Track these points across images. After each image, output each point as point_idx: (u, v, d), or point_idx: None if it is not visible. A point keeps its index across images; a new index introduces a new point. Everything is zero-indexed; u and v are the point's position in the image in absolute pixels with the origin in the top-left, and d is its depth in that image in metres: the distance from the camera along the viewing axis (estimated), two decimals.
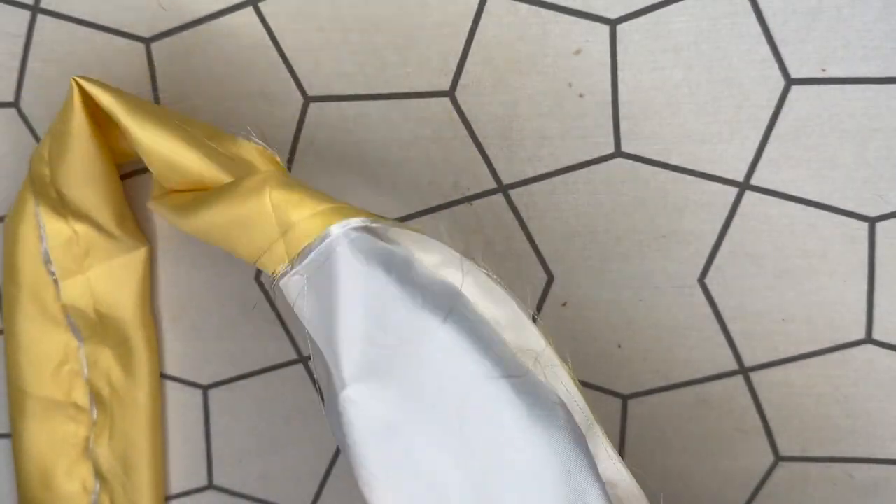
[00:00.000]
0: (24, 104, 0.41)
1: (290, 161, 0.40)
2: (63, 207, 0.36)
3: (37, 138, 0.41)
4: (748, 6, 0.37)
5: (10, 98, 0.41)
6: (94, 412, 0.37)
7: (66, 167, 0.35)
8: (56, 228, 0.36)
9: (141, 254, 0.38)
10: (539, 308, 0.40)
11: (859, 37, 0.36)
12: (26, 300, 0.37)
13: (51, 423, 0.37)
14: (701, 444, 0.41)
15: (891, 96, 0.37)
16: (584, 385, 0.41)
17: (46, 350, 0.37)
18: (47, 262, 0.37)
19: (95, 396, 0.37)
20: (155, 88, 0.40)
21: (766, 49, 0.37)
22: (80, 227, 0.36)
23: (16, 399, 0.38)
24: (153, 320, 0.39)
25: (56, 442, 0.37)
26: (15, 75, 0.40)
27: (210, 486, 0.44)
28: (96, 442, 0.38)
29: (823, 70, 0.37)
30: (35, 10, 0.40)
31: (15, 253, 0.37)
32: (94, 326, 0.37)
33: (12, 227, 0.37)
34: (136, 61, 0.40)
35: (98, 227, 0.36)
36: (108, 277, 0.37)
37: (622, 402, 0.41)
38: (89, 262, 0.36)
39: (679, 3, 0.37)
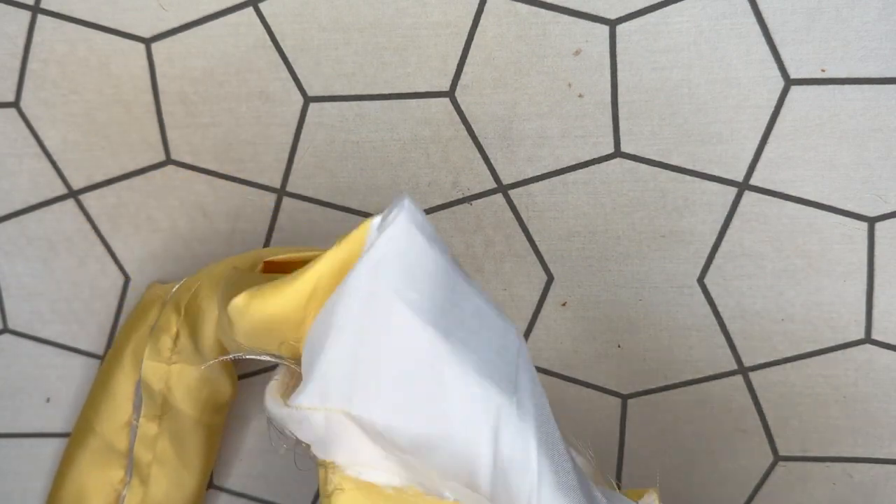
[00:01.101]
0: (24, 104, 0.41)
1: (289, 161, 0.40)
2: (185, 309, 0.38)
3: (37, 138, 0.41)
4: (747, 6, 0.37)
5: (11, 98, 0.41)
6: (130, 476, 0.39)
7: (213, 300, 0.36)
8: (169, 318, 0.38)
9: (221, 383, 0.39)
10: (539, 308, 0.40)
11: (858, 37, 0.37)
12: (127, 354, 0.39)
13: (103, 463, 0.39)
14: (701, 444, 0.41)
15: (890, 97, 0.37)
16: (585, 385, 0.41)
17: (125, 403, 0.39)
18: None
19: (135, 463, 0.39)
20: (155, 88, 0.40)
21: (766, 49, 0.37)
22: (184, 333, 0.38)
23: (81, 430, 0.40)
24: (219, 420, 0.40)
25: (101, 480, 0.39)
26: (15, 75, 0.40)
27: (210, 485, 0.44)
28: (129, 500, 0.39)
29: (823, 70, 0.37)
30: (35, 10, 0.40)
31: (140, 313, 0.39)
32: (156, 406, 0.39)
33: (152, 291, 0.40)
34: (136, 61, 0.40)
35: (196, 341, 0.38)
36: (183, 380, 0.38)
37: (622, 402, 0.41)
38: (175, 359, 0.38)
39: (679, 4, 0.37)
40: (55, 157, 0.41)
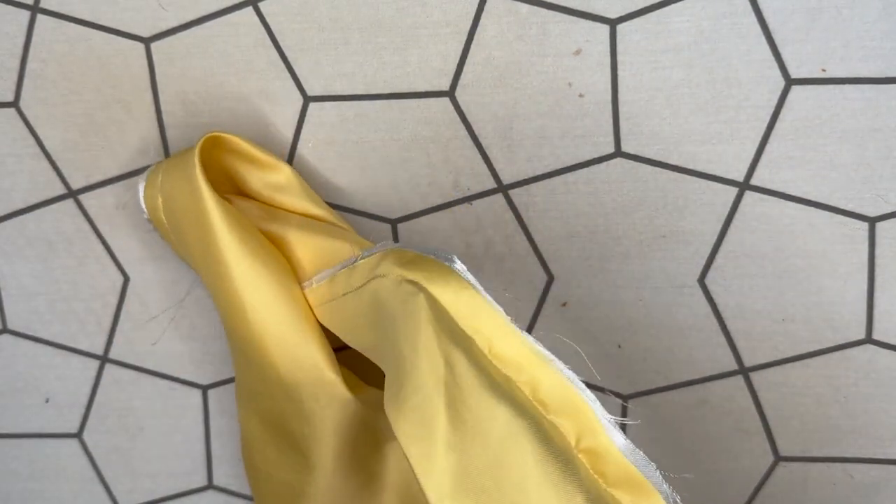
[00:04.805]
0: (23, 104, 0.41)
1: (290, 161, 0.40)
2: None
3: (36, 138, 0.41)
4: (748, 6, 0.37)
5: (10, 98, 0.41)
6: None
7: None
8: None
9: None
10: (539, 308, 0.40)
11: (859, 37, 0.36)
12: None
13: None
14: (701, 444, 0.41)
15: (890, 96, 0.37)
16: (585, 385, 0.41)
17: None
18: None
19: None
20: (155, 88, 0.40)
21: (766, 49, 0.37)
22: None
23: None
24: None
25: None
26: (15, 75, 0.40)
27: (210, 486, 0.43)
28: None
29: (823, 70, 0.37)
30: (35, 9, 0.40)
31: None
32: None
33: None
34: (136, 61, 0.40)
35: None
36: None
37: (622, 403, 0.41)
38: None
39: (679, 3, 0.37)
40: (55, 157, 0.41)
